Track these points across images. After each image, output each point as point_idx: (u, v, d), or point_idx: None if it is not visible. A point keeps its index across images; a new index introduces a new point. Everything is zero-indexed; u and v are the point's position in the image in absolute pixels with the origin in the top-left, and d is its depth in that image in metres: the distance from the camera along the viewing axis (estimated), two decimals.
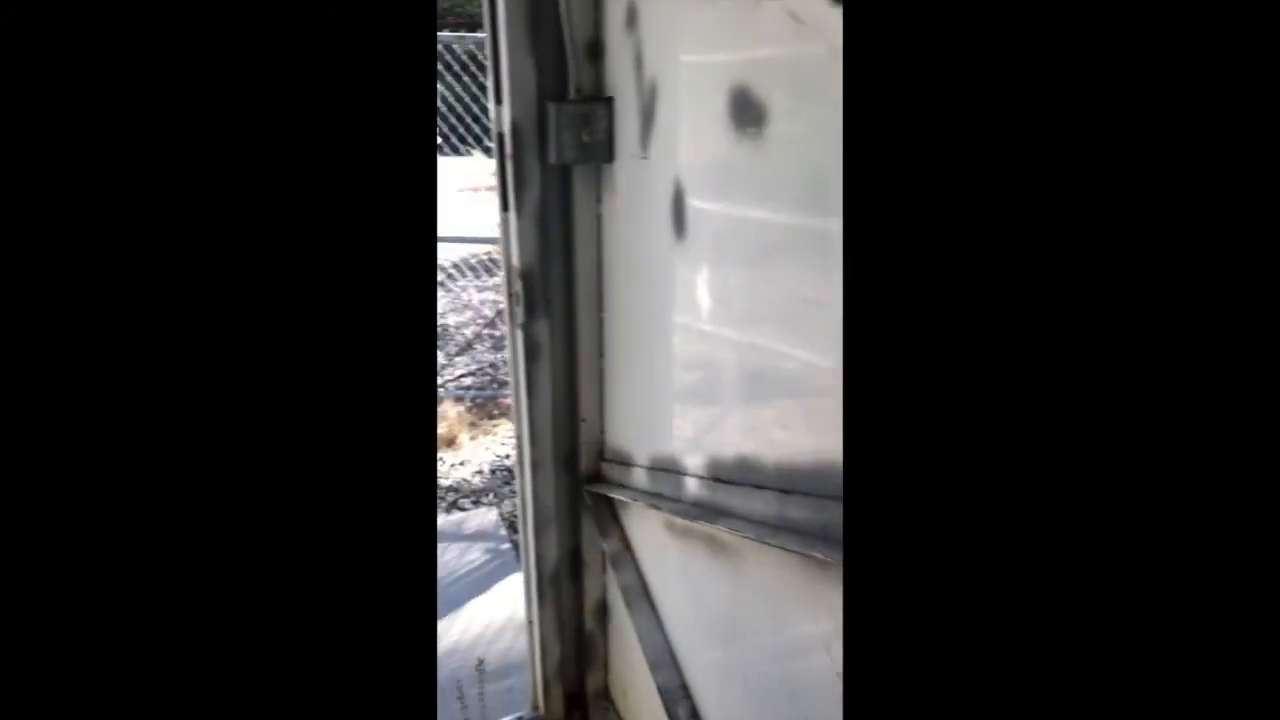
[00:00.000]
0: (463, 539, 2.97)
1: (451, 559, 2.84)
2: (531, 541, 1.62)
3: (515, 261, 1.39)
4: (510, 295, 1.43)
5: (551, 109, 1.25)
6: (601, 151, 1.29)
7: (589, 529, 1.64)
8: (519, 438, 1.56)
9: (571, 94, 1.26)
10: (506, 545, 2.93)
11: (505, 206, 1.36)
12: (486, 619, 2.50)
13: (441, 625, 2.47)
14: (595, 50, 1.28)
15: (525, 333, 1.43)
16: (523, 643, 2.37)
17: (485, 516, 3.12)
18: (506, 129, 1.29)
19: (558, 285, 1.44)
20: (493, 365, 4.83)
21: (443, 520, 3.11)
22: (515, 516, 3.19)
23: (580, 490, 1.61)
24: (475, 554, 2.87)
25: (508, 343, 1.51)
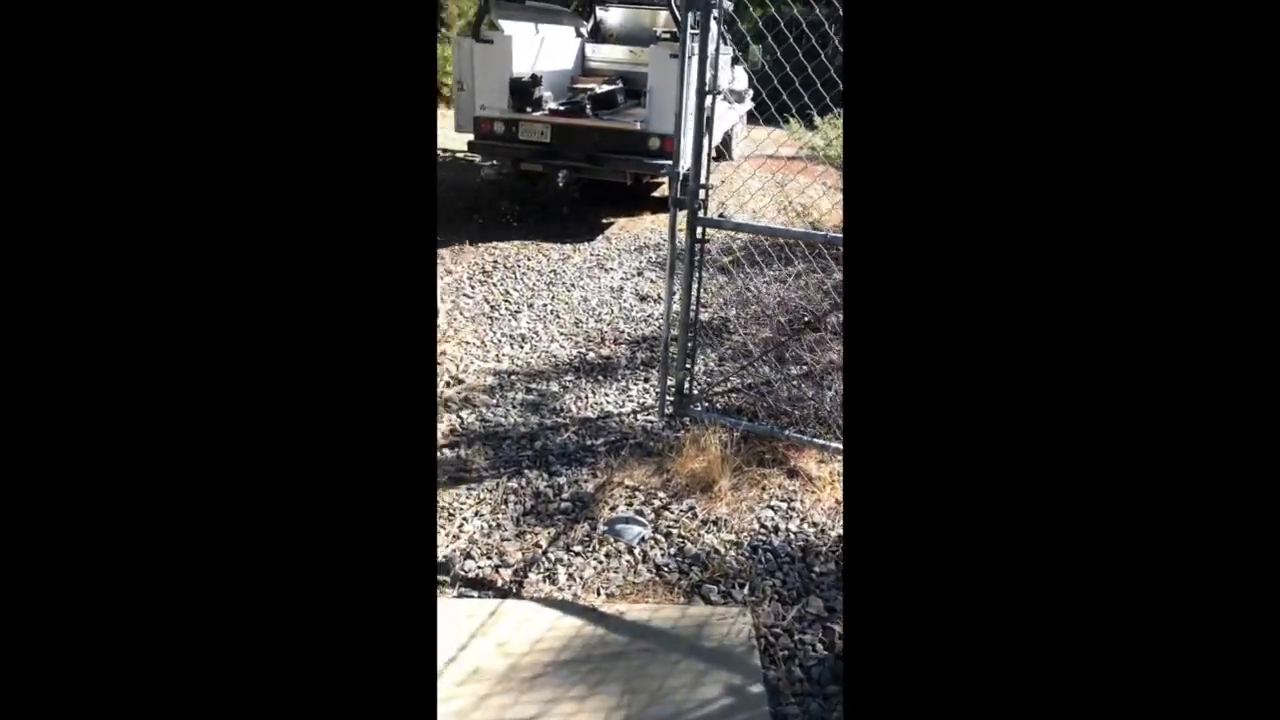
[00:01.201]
0: (699, 655, 2.08)
1: (679, 686, 1.97)
2: None
3: None
4: None
5: None
6: None
7: None
8: None
9: None
10: (759, 687, 1.99)
11: None
12: None
13: None
14: None
15: None
16: None
17: (735, 624, 2.21)
18: None
19: None
20: (768, 383, 3.86)
21: (674, 613, 2.25)
22: (776, 631, 2.24)
23: None
24: (713, 689, 1.97)
25: None
